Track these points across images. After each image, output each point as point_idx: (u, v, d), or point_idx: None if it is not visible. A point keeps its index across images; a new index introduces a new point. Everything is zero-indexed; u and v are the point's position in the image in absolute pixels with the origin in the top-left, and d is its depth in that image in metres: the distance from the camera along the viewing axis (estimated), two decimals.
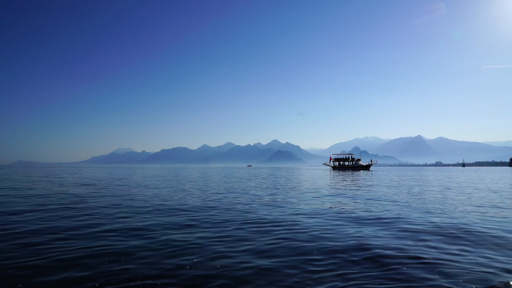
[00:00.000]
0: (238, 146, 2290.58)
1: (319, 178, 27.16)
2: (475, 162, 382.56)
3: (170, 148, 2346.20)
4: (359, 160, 63.69)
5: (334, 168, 65.10)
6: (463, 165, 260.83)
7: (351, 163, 63.36)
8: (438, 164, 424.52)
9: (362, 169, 60.23)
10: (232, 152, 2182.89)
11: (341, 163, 64.97)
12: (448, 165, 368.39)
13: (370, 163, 62.50)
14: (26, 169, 59.36)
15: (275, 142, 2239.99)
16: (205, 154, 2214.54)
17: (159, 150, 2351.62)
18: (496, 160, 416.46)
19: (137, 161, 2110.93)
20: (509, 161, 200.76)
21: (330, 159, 66.99)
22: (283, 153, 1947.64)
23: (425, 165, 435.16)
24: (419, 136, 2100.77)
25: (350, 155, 64.70)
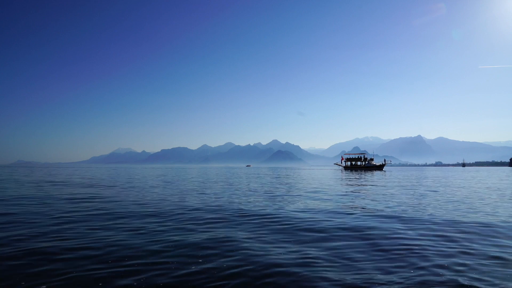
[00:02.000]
0: (238, 146, 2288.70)
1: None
2: (475, 162, 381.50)
3: (170, 148, 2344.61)
4: (371, 160, 62.59)
5: (346, 168, 64.07)
6: (463, 165, 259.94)
7: (363, 163, 62.29)
8: (438, 164, 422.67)
9: (375, 169, 59.25)
10: (232, 152, 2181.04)
11: (353, 163, 63.91)
12: (448, 165, 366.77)
13: (384, 163, 61.46)
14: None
15: (275, 142, 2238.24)
16: (205, 154, 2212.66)
17: (159, 150, 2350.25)
18: (496, 160, 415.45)
19: (137, 161, 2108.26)
20: (509, 161, 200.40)
21: (342, 158, 65.94)
22: (283, 153, 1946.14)
23: (425, 165, 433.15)
24: (419, 136, 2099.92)
25: (363, 154, 63.60)
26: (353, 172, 47.18)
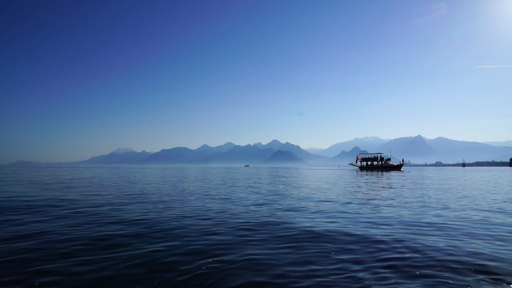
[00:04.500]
0: (238, 146, 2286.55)
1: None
2: (475, 162, 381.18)
3: (170, 148, 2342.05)
4: (389, 159, 61.07)
5: (361, 168, 62.68)
6: (463, 165, 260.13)
7: (380, 163, 60.80)
8: (438, 164, 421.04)
9: (393, 170, 57.94)
10: (232, 152, 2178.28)
11: (369, 163, 62.35)
12: (448, 165, 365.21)
13: (402, 163, 60.06)
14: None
15: (275, 142, 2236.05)
16: (205, 154, 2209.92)
17: (159, 150, 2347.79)
18: (496, 160, 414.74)
19: (137, 161, 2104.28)
20: (509, 161, 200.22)
21: (357, 158, 64.43)
22: (283, 153, 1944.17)
23: (425, 165, 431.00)
24: (419, 136, 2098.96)
25: (379, 154, 62.09)
26: (369, 172, 45.84)
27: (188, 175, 32.02)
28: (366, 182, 20.27)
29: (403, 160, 60.93)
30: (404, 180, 23.83)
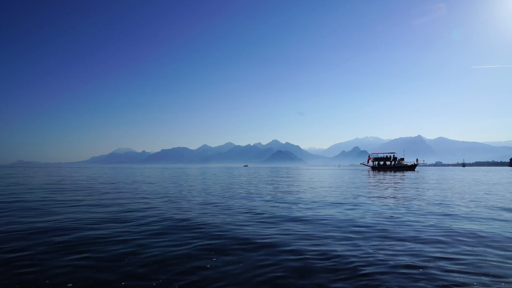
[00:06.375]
0: (238, 146, 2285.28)
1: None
2: (475, 162, 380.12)
3: (170, 148, 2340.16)
4: (402, 159, 60.03)
5: (373, 168, 61.68)
6: (463, 165, 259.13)
7: (393, 163, 59.76)
8: (438, 164, 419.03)
9: (407, 170, 56.92)
10: (232, 152, 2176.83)
11: (381, 163, 61.32)
12: (448, 165, 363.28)
13: (416, 163, 59.05)
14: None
15: (275, 142, 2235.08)
16: (205, 154, 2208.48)
17: (159, 150, 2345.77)
18: (496, 160, 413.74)
19: (137, 161, 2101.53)
20: (509, 161, 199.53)
21: (369, 158, 63.40)
22: (283, 153, 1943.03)
23: (425, 165, 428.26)
24: (419, 136, 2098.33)
25: (392, 154, 61.06)
26: (382, 172, 44.80)
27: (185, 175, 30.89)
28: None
29: (417, 160, 59.93)
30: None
